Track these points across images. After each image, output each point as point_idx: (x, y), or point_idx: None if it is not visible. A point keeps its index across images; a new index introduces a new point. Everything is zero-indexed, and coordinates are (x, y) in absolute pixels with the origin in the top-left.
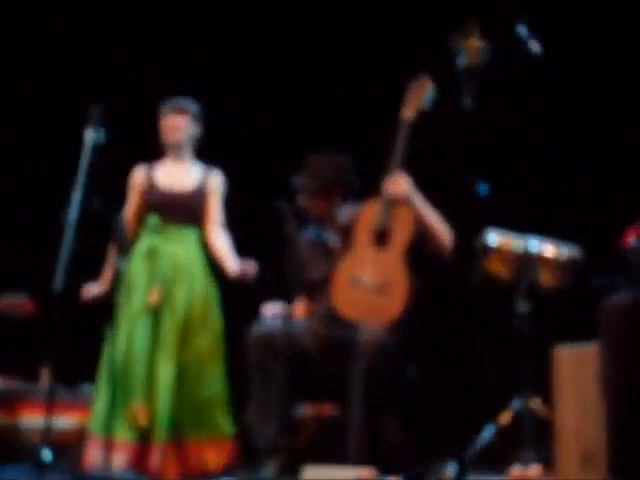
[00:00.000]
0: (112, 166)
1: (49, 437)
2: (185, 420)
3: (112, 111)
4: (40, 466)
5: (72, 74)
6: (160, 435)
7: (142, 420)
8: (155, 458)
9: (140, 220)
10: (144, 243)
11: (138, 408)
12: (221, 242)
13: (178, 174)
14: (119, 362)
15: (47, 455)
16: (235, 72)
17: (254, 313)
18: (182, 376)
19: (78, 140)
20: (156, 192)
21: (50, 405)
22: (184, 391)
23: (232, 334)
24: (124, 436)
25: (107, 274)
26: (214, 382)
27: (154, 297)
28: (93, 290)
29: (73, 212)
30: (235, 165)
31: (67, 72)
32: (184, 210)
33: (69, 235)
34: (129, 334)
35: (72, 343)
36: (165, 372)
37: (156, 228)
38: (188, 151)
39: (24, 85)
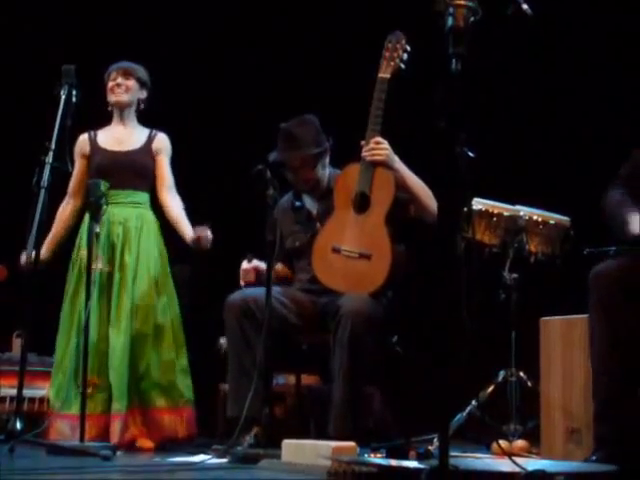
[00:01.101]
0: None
1: (21, 407)
2: (144, 388)
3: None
4: (12, 436)
5: (47, 33)
6: (118, 405)
7: (92, 390)
8: (116, 427)
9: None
10: None
11: (92, 379)
12: (174, 205)
13: (122, 136)
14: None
15: (19, 425)
16: (208, 36)
17: (234, 283)
18: (137, 343)
19: (51, 101)
20: (101, 154)
21: (22, 374)
22: (140, 358)
23: (212, 305)
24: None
25: (51, 240)
26: (171, 348)
27: (107, 268)
28: (24, 259)
29: (46, 176)
30: (214, 131)
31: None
32: (131, 171)
33: (41, 199)
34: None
35: (43, 311)
36: (117, 341)
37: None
38: (132, 114)
39: None
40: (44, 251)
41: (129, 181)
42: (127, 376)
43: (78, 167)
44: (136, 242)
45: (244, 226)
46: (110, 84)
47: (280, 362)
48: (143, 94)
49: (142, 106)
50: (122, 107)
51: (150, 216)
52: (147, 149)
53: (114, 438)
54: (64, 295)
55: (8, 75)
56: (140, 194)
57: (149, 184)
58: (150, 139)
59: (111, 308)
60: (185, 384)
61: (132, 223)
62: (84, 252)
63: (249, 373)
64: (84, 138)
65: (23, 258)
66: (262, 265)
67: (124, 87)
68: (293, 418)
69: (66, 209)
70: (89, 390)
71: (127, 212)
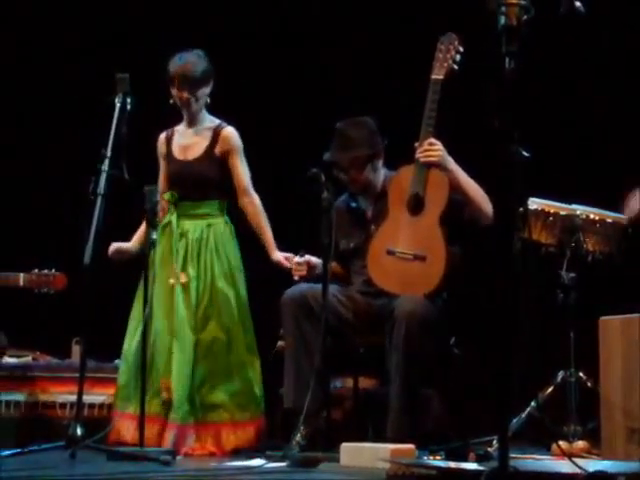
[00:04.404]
0: (141, 135)
1: (80, 413)
2: (211, 401)
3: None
4: (72, 442)
5: (99, 42)
6: (176, 415)
7: (165, 395)
8: (169, 437)
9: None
10: (164, 220)
11: (163, 383)
12: (250, 211)
13: (188, 141)
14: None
15: (79, 431)
16: (265, 37)
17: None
18: (207, 356)
19: (106, 110)
20: (171, 162)
21: (81, 381)
22: (207, 370)
23: (265, 307)
24: (154, 410)
25: (136, 238)
26: (247, 360)
27: (181, 278)
28: (118, 245)
29: (102, 183)
30: (270, 133)
31: (94, 41)
32: (194, 183)
33: (99, 207)
34: (153, 312)
35: (103, 317)
36: (180, 355)
37: (172, 202)
38: (201, 112)
39: (52, 55)
40: (135, 244)
41: (194, 192)
42: (188, 388)
43: (161, 168)
44: (199, 255)
45: (299, 229)
46: (175, 93)
47: (337, 365)
48: (208, 89)
49: (209, 100)
50: (192, 113)
51: (221, 226)
52: (210, 154)
53: (167, 446)
54: (135, 298)
55: (65, 82)
56: (207, 204)
57: (218, 190)
58: (214, 138)
59: (175, 318)
60: (257, 393)
61: (194, 235)
62: (155, 258)
63: (305, 368)
64: (162, 139)
65: (112, 248)
66: (314, 259)
67: (192, 99)
68: (351, 421)
69: (165, 210)
70: (164, 395)
71: (192, 224)
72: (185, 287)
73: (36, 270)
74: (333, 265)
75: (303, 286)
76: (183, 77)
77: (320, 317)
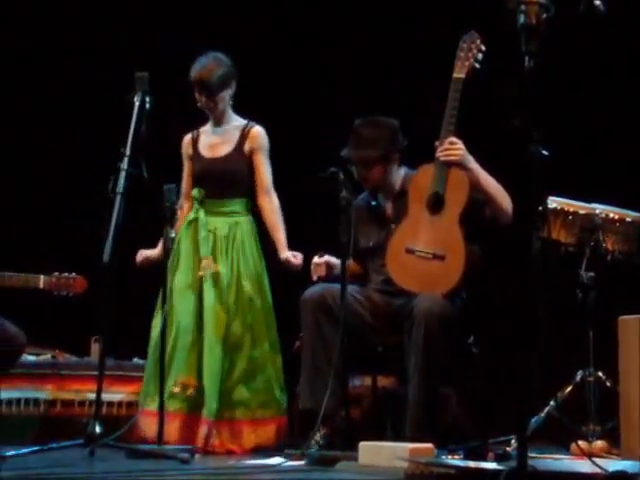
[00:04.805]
0: (160, 134)
1: (99, 411)
2: (236, 399)
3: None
4: (91, 440)
5: (118, 41)
6: (209, 412)
7: (189, 391)
8: (202, 432)
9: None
10: (190, 216)
11: (184, 380)
12: (268, 210)
13: (216, 139)
14: (167, 336)
15: (97, 429)
16: (283, 35)
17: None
18: (235, 353)
19: (124, 109)
20: (198, 160)
21: (100, 379)
22: (234, 367)
23: (285, 305)
24: (173, 407)
25: (162, 243)
26: (269, 358)
27: (208, 267)
28: (147, 253)
29: (121, 182)
30: (287, 131)
31: (113, 39)
32: (222, 180)
33: (118, 205)
34: (175, 308)
35: (122, 316)
36: (210, 350)
37: (199, 200)
38: (226, 113)
39: (69, 55)
40: (161, 250)
41: (222, 190)
42: (219, 384)
43: (185, 169)
44: (227, 252)
45: (317, 227)
46: (197, 97)
47: (356, 364)
48: (229, 92)
49: (232, 101)
50: (217, 115)
51: (247, 224)
52: (239, 151)
53: (199, 442)
54: (159, 296)
55: (84, 81)
56: (234, 201)
57: (245, 188)
58: (243, 137)
59: (204, 315)
60: (279, 392)
61: (222, 233)
62: (180, 254)
63: (323, 367)
64: (188, 140)
65: (139, 257)
66: (333, 260)
67: (212, 104)
68: (370, 420)
69: (184, 210)
70: (189, 391)
71: (219, 221)
72: (215, 278)
73: (56, 273)
74: (350, 264)
75: (321, 286)
76: (201, 83)
77: (339, 317)
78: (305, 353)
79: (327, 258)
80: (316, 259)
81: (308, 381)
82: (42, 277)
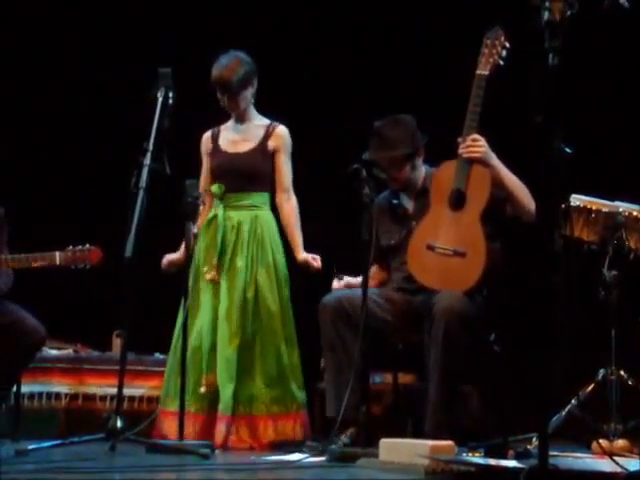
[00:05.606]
0: (183, 130)
1: (120, 406)
2: (254, 394)
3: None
4: (112, 434)
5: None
6: (224, 407)
7: (205, 390)
8: (220, 429)
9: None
10: (209, 215)
11: (211, 379)
12: (286, 209)
13: (239, 135)
14: (190, 333)
15: (119, 423)
16: (303, 34)
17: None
18: (249, 349)
19: (147, 105)
20: (218, 156)
21: (122, 374)
22: (251, 363)
23: (306, 305)
24: (193, 407)
25: (185, 246)
26: (285, 353)
27: (210, 275)
28: (171, 257)
29: (144, 177)
30: (309, 130)
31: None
32: (245, 174)
33: (140, 200)
34: (198, 306)
35: (143, 311)
36: (225, 346)
37: (219, 195)
38: (249, 111)
39: (91, 50)
40: (181, 253)
41: (244, 184)
42: (235, 380)
43: (204, 166)
44: (248, 246)
45: (340, 225)
46: (219, 97)
47: (377, 362)
48: (250, 91)
49: (253, 99)
50: (239, 114)
51: (268, 217)
52: (263, 148)
53: (219, 439)
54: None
55: (108, 76)
56: (257, 195)
57: (268, 184)
58: (267, 135)
59: (219, 310)
60: (295, 387)
61: (246, 226)
62: (199, 256)
63: (346, 374)
64: (207, 137)
65: (165, 262)
66: (352, 280)
67: (234, 104)
68: (390, 417)
69: (206, 207)
70: (204, 389)
71: (242, 215)
72: (233, 279)
73: (70, 247)
74: (374, 271)
75: (339, 292)
76: (222, 84)
77: (358, 322)
78: (327, 360)
79: (347, 280)
80: (335, 284)
81: (332, 389)
82: (58, 253)
